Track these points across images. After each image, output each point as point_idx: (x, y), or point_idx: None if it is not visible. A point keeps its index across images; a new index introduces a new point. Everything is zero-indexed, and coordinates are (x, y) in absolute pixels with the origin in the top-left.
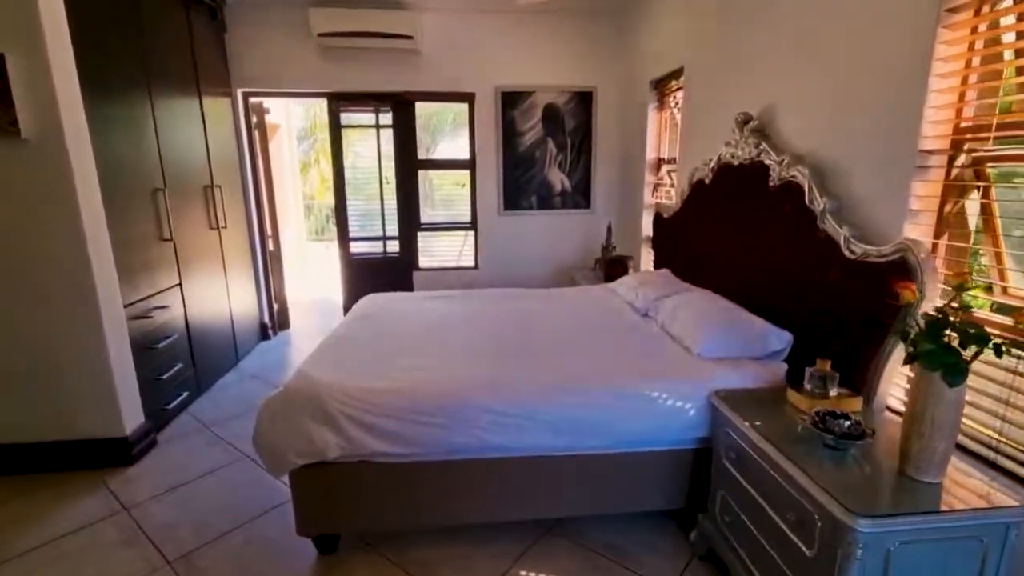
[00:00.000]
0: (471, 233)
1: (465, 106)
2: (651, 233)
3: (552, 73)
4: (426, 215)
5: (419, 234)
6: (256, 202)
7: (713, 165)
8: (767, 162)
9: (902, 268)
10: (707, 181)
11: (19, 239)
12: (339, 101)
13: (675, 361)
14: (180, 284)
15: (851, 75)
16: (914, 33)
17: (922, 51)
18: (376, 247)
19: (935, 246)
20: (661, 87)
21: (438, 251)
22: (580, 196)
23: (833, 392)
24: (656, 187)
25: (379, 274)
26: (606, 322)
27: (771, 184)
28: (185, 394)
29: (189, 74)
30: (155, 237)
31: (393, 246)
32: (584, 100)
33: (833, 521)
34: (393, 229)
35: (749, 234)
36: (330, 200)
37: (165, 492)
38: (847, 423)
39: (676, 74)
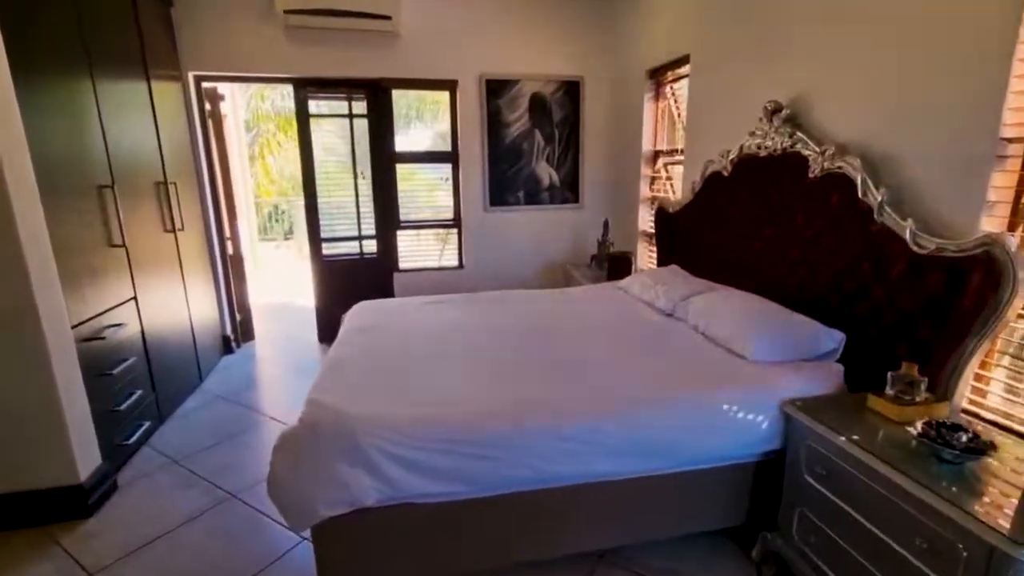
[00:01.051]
0: (454, 231)
1: (433, 96)
2: (651, 228)
3: (539, 61)
4: (405, 212)
5: (398, 233)
6: (213, 200)
7: (733, 156)
8: (804, 153)
9: (987, 263)
10: (725, 173)
11: None
12: (307, 87)
13: (731, 368)
14: (135, 297)
15: (915, 58)
16: (1000, 15)
17: (1007, 34)
18: (352, 248)
19: None
20: (658, 76)
21: (419, 251)
22: (569, 191)
23: (920, 398)
24: (653, 180)
25: (356, 277)
26: (632, 325)
27: (811, 176)
28: (146, 424)
29: (135, 54)
30: (103, 242)
31: (370, 246)
32: (572, 90)
33: (988, 551)
34: (370, 228)
35: (782, 228)
36: (275, 198)
37: (138, 548)
38: (965, 436)
39: (678, 62)
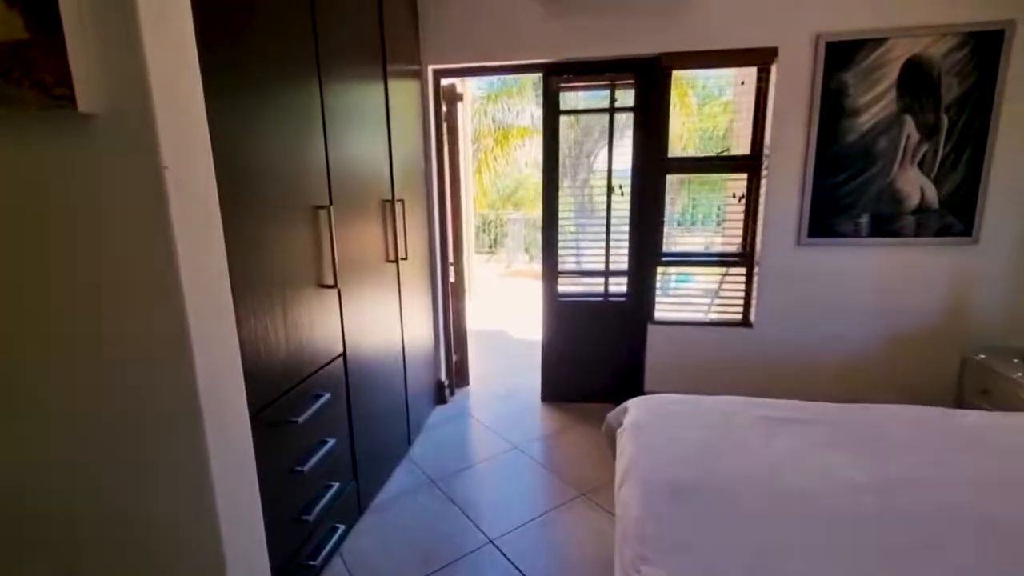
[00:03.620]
0: (740, 271)
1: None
2: None
3: (923, 4)
4: (668, 241)
5: (658, 269)
6: (440, 220)
7: None
8: None
9: None
10: None
11: (54, 286)
12: (560, 74)
13: None
14: (344, 354)
15: None
16: None
17: None
18: (594, 285)
19: None
20: None
21: (678, 295)
22: (954, 215)
23: None
24: None
25: (594, 322)
26: None
27: None
28: (340, 529)
29: (374, 46)
30: (311, 282)
31: (618, 285)
32: (984, 47)
33: None
34: (621, 261)
35: None
36: (484, 210)
37: None
38: None
39: None
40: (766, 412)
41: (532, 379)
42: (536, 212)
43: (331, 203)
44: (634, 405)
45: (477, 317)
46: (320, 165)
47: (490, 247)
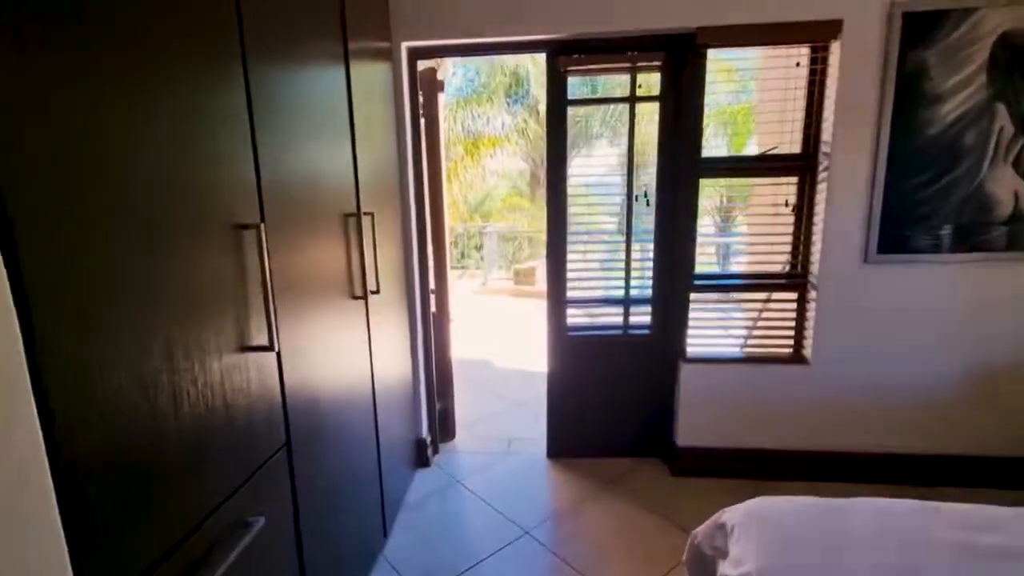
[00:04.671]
0: (791, 296)
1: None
2: None
3: None
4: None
5: (691, 296)
6: (420, 238)
7: None
8: None
9: None
10: None
11: None
12: (569, 54)
13: None
14: (288, 445)
15: None
16: None
17: None
18: (610, 316)
19: None
20: None
21: (708, 324)
22: None
23: None
24: None
25: (610, 359)
26: None
27: None
28: None
29: (330, 18)
30: (230, 344)
31: (640, 316)
32: None
33: None
34: (644, 287)
35: None
36: (452, 223)
37: None
38: None
39: None
40: (952, 534)
41: (531, 426)
42: (506, 224)
43: (263, 219)
44: (746, 527)
45: (455, 345)
46: (244, 165)
47: (459, 260)
